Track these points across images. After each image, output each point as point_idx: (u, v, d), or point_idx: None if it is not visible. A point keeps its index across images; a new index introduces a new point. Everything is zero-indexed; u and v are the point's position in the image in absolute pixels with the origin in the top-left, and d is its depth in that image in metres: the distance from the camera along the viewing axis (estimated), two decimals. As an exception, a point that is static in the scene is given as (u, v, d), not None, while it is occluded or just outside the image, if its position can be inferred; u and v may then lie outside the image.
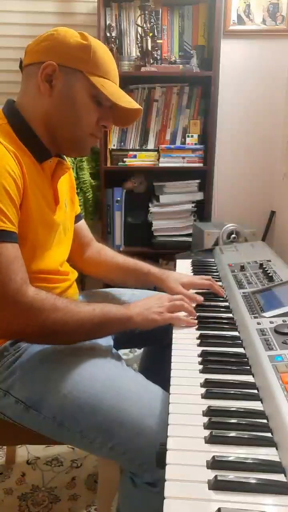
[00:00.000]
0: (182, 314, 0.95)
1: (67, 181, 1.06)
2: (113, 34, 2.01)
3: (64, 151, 0.97)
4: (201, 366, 0.77)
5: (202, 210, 2.14)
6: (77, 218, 1.16)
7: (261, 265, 1.20)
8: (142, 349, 1.38)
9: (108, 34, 1.99)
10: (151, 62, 1.99)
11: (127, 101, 0.92)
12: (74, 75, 0.87)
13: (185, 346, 0.86)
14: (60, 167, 0.95)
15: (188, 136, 2.09)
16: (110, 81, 0.90)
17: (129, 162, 2.07)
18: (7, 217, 0.79)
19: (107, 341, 1.00)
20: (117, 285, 1.21)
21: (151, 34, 1.95)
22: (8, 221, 0.79)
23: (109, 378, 0.85)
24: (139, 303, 0.93)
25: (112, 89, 0.90)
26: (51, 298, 0.82)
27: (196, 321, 0.94)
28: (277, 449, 0.58)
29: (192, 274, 1.28)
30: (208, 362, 0.78)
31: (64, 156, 1.01)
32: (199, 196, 2.13)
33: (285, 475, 0.53)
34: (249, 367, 0.77)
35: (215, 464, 0.55)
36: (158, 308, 0.92)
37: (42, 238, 0.91)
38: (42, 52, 0.87)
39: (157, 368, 0.96)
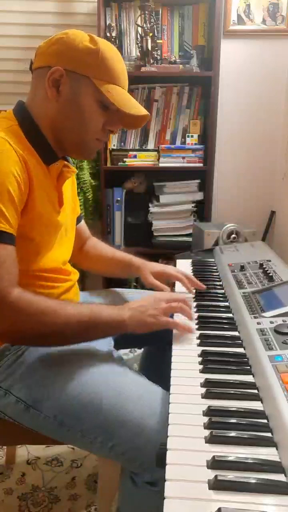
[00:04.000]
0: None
1: (70, 183, 1.06)
2: (113, 34, 2.01)
3: (70, 154, 0.98)
4: (201, 366, 0.77)
5: (202, 210, 2.13)
6: (78, 219, 1.17)
7: (261, 265, 1.20)
8: (142, 349, 1.38)
9: (108, 34, 1.99)
10: (151, 62, 1.99)
11: (133, 108, 0.92)
12: (81, 80, 0.87)
13: (185, 346, 0.86)
14: (66, 170, 0.96)
15: (188, 136, 2.09)
16: (118, 86, 0.90)
17: (129, 162, 2.07)
18: (5, 218, 0.78)
19: (107, 341, 1.01)
20: (109, 277, 1.26)
21: (151, 34, 1.95)
22: (7, 223, 0.78)
23: (110, 378, 0.85)
24: (135, 305, 0.90)
25: (119, 95, 0.89)
26: (37, 299, 0.80)
27: (195, 326, 0.91)
28: (277, 449, 0.58)
29: (192, 274, 1.28)
30: (208, 362, 0.78)
31: (70, 158, 1.02)
32: (199, 196, 2.13)
33: (285, 475, 0.54)
34: (249, 367, 0.77)
35: (215, 464, 0.55)
36: (153, 311, 0.88)
37: (46, 239, 0.92)
38: (51, 56, 0.87)
39: (157, 368, 0.96)
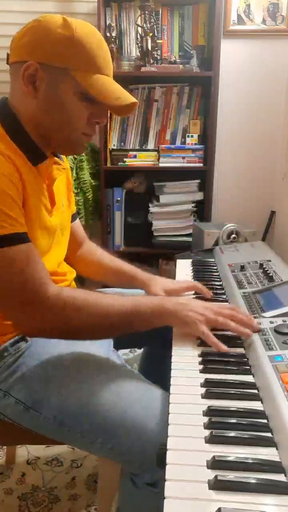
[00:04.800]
0: None
1: (63, 180, 1.03)
2: (113, 34, 2.01)
3: (58, 150, 0.94)
4: (201, 366, 0.77)
5: (202, 210, 2.14)
6: (72, 218, 1.14)
7: (261, 265, 1.20)
8: (142, 349, 1.38)
9: (108, 34, 1.99)
10: (151, 62, 1.99)
11: (118, 98, 0.84)
12: (58, 73, 0.80)
13: (185, 346, 0.86)
14: (56, 167, 0.92)
15: (188, 136, 2.09)
16: (99, 75, 0.82)
17: (129, 162, 2.07)
18: (14, 219, 0.77)
19: (108, 341, 1.01)
20: (105, 286, 1.20)
21: (151, 34, 1.95)
22: (17, 223, 0.77)
23: (110, 378, 0.85)
24: (181, 300, 0.86)
25: (100, 85, 0.81)
26: (75, 295, 0.80)
27: (228, 348, 0.80)
28: (277, 449, 0.58)
29: (192, 274, 1.28)
30: (208, 362, 0.78)
31: (61, 155, 1.00)
32: (199, 196, 2.13)
33: (285, 475, 0.53)
34: (249, 367, 0.77)
35: (215, 464, 0.55)
36: (196, 315, 0.82)
37: (40, 242, 0.90)
38: (23, 50, 0.81)
39: (157, 368, 0.96)
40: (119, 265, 1.16)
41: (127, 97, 0.86)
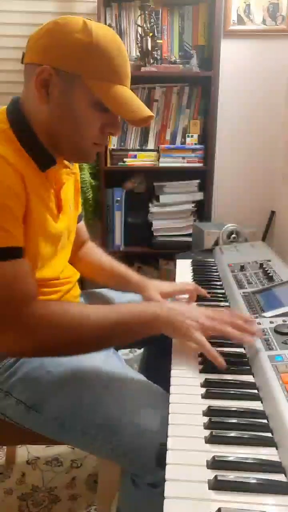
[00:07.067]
0: None
1: (72, 183, 1.02)
2: (113, 34, 2.01)
3: (67, 158, 0.90)
4: (201, 366, 0.77)
5: (202, 210, 2.14)
6: (78, 219, 1.13)
7: (261, 265, 1.20)
8: (142, 349, 1.39)
9: (108, 34, 1.99)
10: (151, 62, 1.99)
11: (132, 110, 0.80)
12: (73, 80, 0.77)
13: (185, 346, 0.86)
14: (66, 172, 0.90)
15: (188, 136, 2.09)
16: (115, 85, 0.78)
17: (129, 162, 2.07)
18: (11, 234, 0.74)
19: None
20: (101, 286, 1.19)
21: (151, 34, 1.95)
22: (12, 237, 0.75)
23: (110, 378, 0.85)
24: (175, 307, 0.82)
25: (115, 96, 0.78)
26: (58, 312, 0.76)
27: (224, 363, 0.75)
28: (277, 449, 0.58)
29: (192, 274, 1.28)
30: (208, 361, 0.78)
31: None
32: (199, 196, 2.13)
33: (285, 475, 0.54)
34: (249, 367, 0.77)
35: (215, 464, 0.55)
36: (192, 322, 0.78)
37: (43, 250, 0.87)
38: (39, 52, 0.77)
39: (157, 368, 0.96)
40: (115, 267, 1.14)
41: (143, 110, 0.82)
